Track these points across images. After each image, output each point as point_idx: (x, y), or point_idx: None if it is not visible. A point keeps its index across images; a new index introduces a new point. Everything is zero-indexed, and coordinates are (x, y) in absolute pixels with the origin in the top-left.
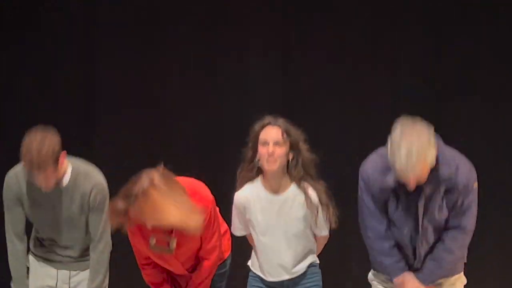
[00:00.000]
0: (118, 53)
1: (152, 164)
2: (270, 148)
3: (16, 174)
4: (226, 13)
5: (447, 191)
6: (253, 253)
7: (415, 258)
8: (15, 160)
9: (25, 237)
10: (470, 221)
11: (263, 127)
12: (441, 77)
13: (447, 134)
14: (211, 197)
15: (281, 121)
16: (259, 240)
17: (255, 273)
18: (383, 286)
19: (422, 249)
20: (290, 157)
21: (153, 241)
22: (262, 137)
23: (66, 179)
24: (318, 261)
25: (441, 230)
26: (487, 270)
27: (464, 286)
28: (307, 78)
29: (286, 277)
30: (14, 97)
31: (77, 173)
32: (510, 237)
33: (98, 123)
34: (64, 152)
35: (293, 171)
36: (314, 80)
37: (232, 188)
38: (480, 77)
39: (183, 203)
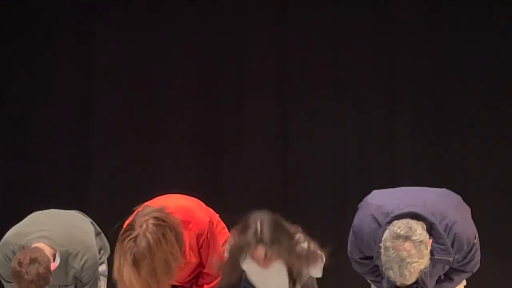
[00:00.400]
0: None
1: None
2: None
3: (6, 253)
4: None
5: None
6: None
7: None
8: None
9: None
10: (475, 266)
11: (252, 246)
12: (438, 78)
13: (446, 134)
14: (207, 218)
15: (266, 236)
16: None
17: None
18: None
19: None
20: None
21: None
22: (252, 258)
23: (56, 262)
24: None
25: None
26: (486, 270)
27: (464, 287)
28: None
29: None
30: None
31: (66, 256)
32: (509, 237)
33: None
34: (54, 264)
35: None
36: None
37: (231, 188)
38: (478, 74)
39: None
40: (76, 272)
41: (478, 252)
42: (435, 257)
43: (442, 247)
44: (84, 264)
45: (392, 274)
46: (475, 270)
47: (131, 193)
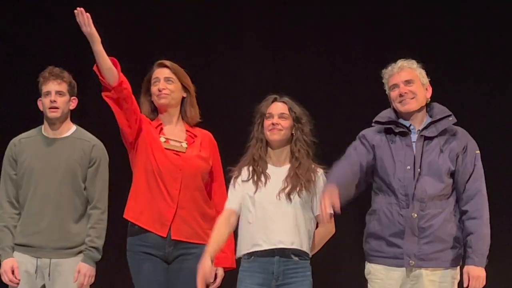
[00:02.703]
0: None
1: None
2: (275, 119)
3: (20, 138)
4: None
5: (448, 141)
6: (240, 237)
7: (407, 207)
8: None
9: (17, 206)
10: (484, 186)
11: (268, 103)
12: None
13: None
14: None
15: (286, 98)
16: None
17: (245, 261)
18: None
19: (417, 199)
20: (294, 132)
21: (163, 139)
22: (268, 111)
23: (70, 131)
24: (310, 255)
25: (442, 188)
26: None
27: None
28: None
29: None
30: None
31: (81, 130)
32: (507, 235)
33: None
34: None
35: (294, 146)
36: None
37: None
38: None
39: None
40: (84, 149)
41: (482, 171)
42: (437, 122)
43: (444, 119)
44: (94, 145)
45: (389, 66)
46: (485, 191)
47: None
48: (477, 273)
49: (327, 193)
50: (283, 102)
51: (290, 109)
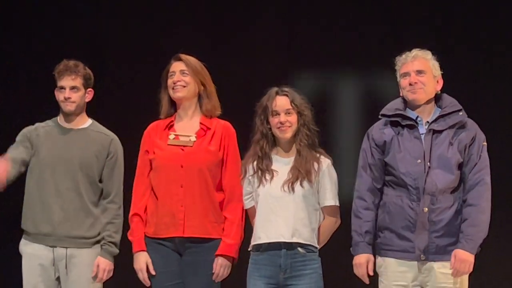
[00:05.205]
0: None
1: None
2: (282, 118)
3: (37, 125)
4: None
5: (457, 133)
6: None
7: (418, 201)
8: None
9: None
10: (488, 176)
11: (271, 97)
12: None
13: None
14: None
15: (287, 89)
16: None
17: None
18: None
19: (428, 193)
20: (300, 123)
21: (172, 136)
22: (273, 108)
23: (87, 123)
24: (317, 247)
25: (452, 180)
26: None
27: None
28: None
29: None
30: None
31: (97, 124)
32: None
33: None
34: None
35: (296, 137)
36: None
37: None
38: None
39: None
40: (102, 143)
41: (488, 162)
42: (447, 114)
43: (454, 111)
44: (113, 139)
45: (403, 58)
46: (489, 181)
47: None
48: (463, 256)
49: (361, 268)
50: (285, 95)
51: (292, 103)
